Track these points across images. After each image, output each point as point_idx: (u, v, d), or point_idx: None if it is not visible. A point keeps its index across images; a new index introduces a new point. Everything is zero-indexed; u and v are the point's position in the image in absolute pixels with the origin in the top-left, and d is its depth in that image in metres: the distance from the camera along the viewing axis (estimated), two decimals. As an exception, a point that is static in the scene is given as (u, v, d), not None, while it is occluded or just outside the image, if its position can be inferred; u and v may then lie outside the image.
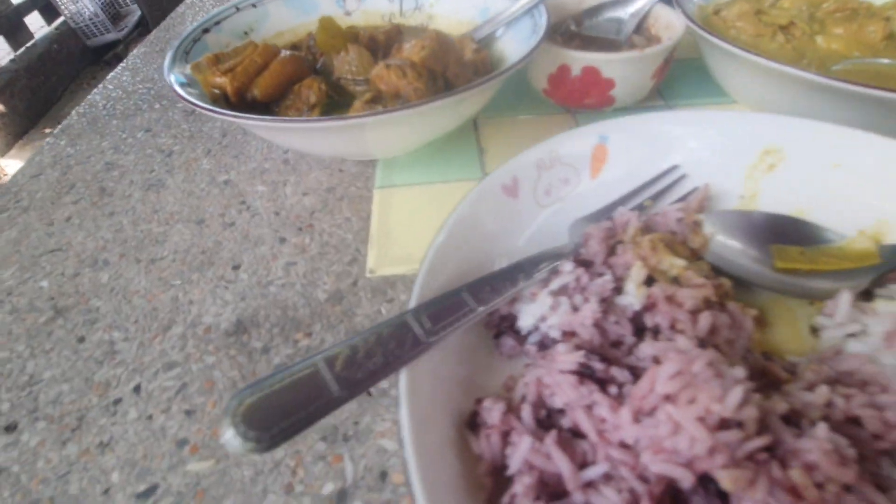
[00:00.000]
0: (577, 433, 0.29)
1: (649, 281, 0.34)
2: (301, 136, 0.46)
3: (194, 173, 0.57)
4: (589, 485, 0.26)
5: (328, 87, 0.50)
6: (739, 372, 0.25)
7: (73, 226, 0.52)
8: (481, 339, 0.35)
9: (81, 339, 0.41)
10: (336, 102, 0.50)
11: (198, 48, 0.54)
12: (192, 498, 0.32)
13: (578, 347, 0.31)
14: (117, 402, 0.37)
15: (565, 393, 0.29)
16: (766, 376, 0.31)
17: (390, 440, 0.34)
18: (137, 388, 0.38)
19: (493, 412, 0.29)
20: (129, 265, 0.47)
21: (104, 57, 3.54)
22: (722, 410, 0.23)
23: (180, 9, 1.02)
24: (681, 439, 0.24)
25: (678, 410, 0.24)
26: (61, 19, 3.36)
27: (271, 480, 0.32)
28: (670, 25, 0.56)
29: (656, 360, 0.28)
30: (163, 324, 0.42)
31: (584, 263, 0.36)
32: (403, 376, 0.28)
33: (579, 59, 0.52)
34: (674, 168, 0.43)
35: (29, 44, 3.10)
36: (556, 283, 0.34)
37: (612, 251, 0.36)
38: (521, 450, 0.27)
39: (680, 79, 0.62)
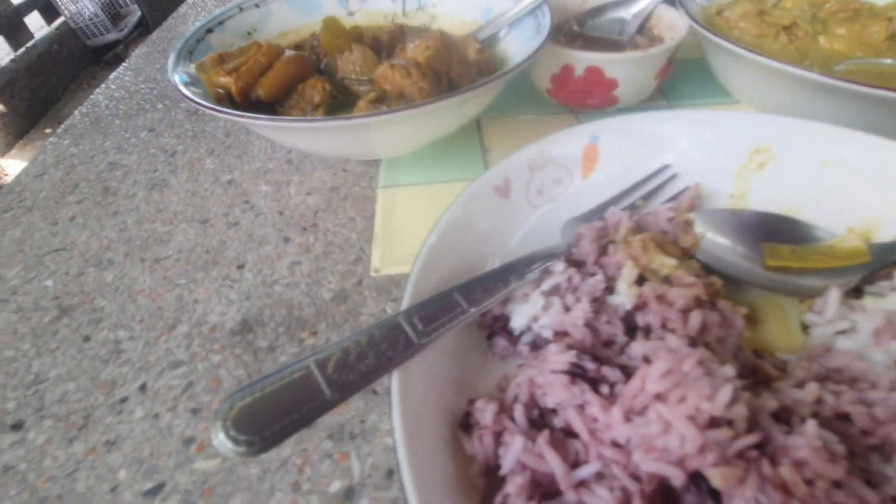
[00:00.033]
0: (569, 433, 0.29)
1: (641, 280, 0.34)
2: (305, 135, 0.46)
3: (198, 173, 0.57)
4: (581, 484, 0.26)
5: (332, 87, 0.50)
6: (729, 370, 0.26)
7: (77, 225, 0.52)
8: (474, 339, 0.35)
9: (87, 338, 0.41)
10: (340, 102, 0.50)
11: (201, 48, 0.54)
12: (200, 496, 0.32)
13: (570, 347, 0.31)
14: (123, 400, 0.37)
15: (557, 393, 0.29)
16: (757, 374, 0.31)
17: (396, 438, 0.34)
18: (143, 387, 0.38)
19: (485, 413, 0.29)
20: (133, 264, 0.47)
21: (104, 57, 3.54)
22: (712, 409, 0.24)
23: (182, 9, 1.02)
24: (671, 438, 0.24)
25: (668, 409, 0.24)
26: (61, 19, 3.36)
27: (278, 478, 0.32)
28: (673, 26, 0.56)
29: (647, 360, 0.28)
30: (168, 323, 0.42)
31: (576, 263, 0.36)
32: (395, 378, 0.28)
33: (583, 60, 0.52)
34: (665, 168, 0.44)
35: (29, 44, 3.10)
36: (547, 284, 0.34)
37: (603, 251, 0.37)
38: (514, 450, 0.27)
39: (683, 79, 0.62)
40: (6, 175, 2.59)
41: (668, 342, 0.29)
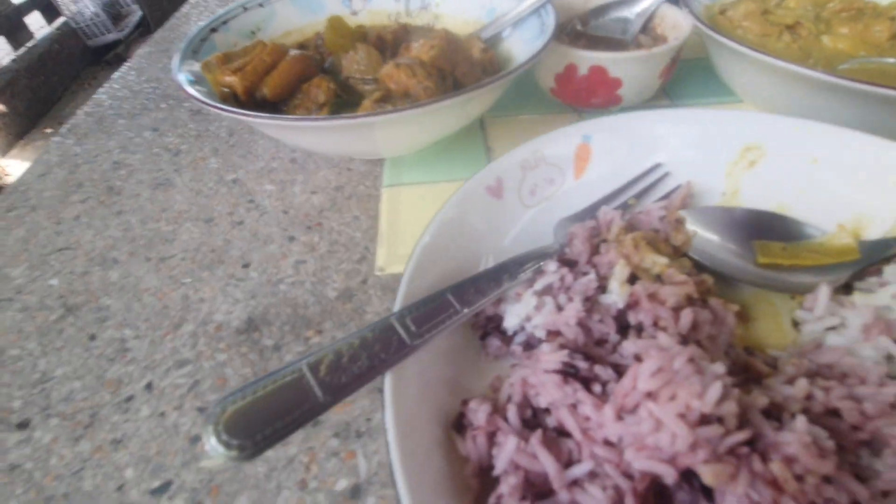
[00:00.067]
0: (562, 432, 0.29)
1: (633, 279, 0.34)
2: (310, 134, 0.46)
3: (202, 172, 0.58)
4: (574, 483, 0.26)
5: (337, 86, 0.50)
6: (719, 368, 0.26)
7: (81, 224, 0.52)
8: (468, 340, 0.35)
9: (92, 337, 0.42)
10: (345, 102, 0.50)
11: (206, 47, 0.54)
12: (207, 494, 0.32)
13: (563, 347, 0.31)
14: (129, 399, 0.37)
15: (550, 392, 0.29)
16: (748, 371, 0.31)
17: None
18: (149, 386, 0.38)
19: (478, 413, 0.29)
20: (138, 263, 0.47)
21: (105, 57, 3.54)
22: (702, 406, 0.24)
23: (184, 9, 1.02)
24: (662, 436, 0.24)
25: (659, 407, 0.25)
26: (62, 19, 3.36)
27: (285, 477, 0.32)
28: (677, 25, 0.56)
29: (638, 358, 0.28)
30: (174, 322, 0.42)
31: (569, 263, 0.36)
32: (388, 380, 0.28)
33: (587, 59, 0.52)
34: (657, 166, 0.44)
35: (29, 44, 3.10)
36: (540, 283, 0.34)
37: (596, 250, 0.37)
38: (507, 450, 0.28)
39: (686, 78, 0.62)
40: (7, 175, 2.59)
41: (659, 340, 0.29)
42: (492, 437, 0.29)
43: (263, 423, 0.25)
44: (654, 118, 0.45)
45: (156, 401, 0.37)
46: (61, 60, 3.25)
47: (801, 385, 0.27)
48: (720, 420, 0.24)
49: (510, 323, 0.34)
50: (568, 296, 0.33)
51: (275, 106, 0.51)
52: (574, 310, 0.32)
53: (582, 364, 0.30)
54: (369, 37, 0.56)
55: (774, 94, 0.51)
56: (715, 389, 0.24)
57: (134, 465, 0.34)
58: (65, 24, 3.36)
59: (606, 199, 0.42)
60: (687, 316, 0.31)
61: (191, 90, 0.45)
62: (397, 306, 0.32)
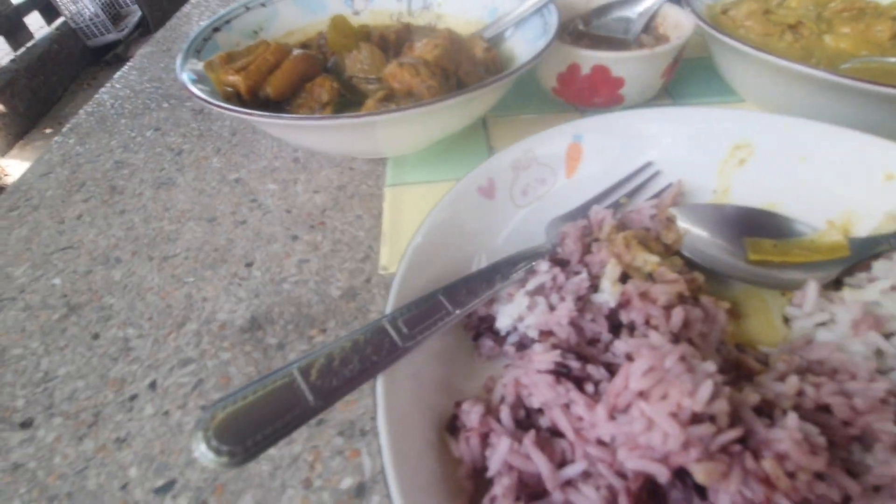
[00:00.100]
0: (555, 432, 0.29)
1: (625, 278, 0.34)
2: (314, 134, 0.46)
3: (205, 172, 0.58)
4: (568, 483, 0.26)
5: (340, 85, 0.50)
6: (710, 366, 0.26)
7: (84, 224, 0.52)
8: (461, 341, 0.35)
9: (96, 336, 0.41)
10: (348, 101, 0.50)
11: (209, 47, 0.54)
12: (211, 493, 0.32)
13: (555, 347, 0.31)
14: (133, 398, 0.37)
15: (542, 393, 0.29)
16: (740, 368, 0.31)
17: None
18: (153, 385, 0.38)
19: (471, 414, 0.29)
20: (141, 263, 0.47)
21: (104, 57, 3.53)
22: (693, 405, 0.24)
23: (186, 8, 1.02)
24: (654, 435, 0.24)
25: (651, 406, 0.25)
26: (61, 19, 3.36)
27: (289, 475, 0.32)
28: (679, 24, 0.56)
29: (629, 357, 0.28)
30: (177, 321, 0.42)
31: (560, 262, 0.36)
32: (380, 382, 0.28)
33: (590, 58, 0.52)
34: (648, 165, 0.44)
35: (29, 44, 3.10)
36: (532, 283, 0.34)
37: (587, 249, 0.37)
38: (500, 451, 0.27)
39: (688, 78, 0.62)
40: (6, 175, 2.58)
41: (650, 339, 0.29)
42: (485, 439, 0.29)
43: (254, 428, 0.24)
44: (644, 117, 0.45)
45: (160, 400, 0.37)
46: (61, 61, 3.25)
47: (792, 382, 0.28)
48: (712, 418, 0.24)
49: (502, 323, 0.34)
50: (560, 295, 0.33)
51: (278, 105, 0.51)
52: (566, 309, 0.32)
53: (574, 364, 0.30)
54: (372, 36, 0.56)
55: (777, 94, 0.51)
56: (706, 388, 0.24)
57: (138, 464, 0.34)
58: (64, 24, 3.36)
59: (598, 199, 0.42)
60: (678, 314, 0.31)
61: (194, 89, 0.45)
62: (389, 308, 0.32)
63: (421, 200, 0.50)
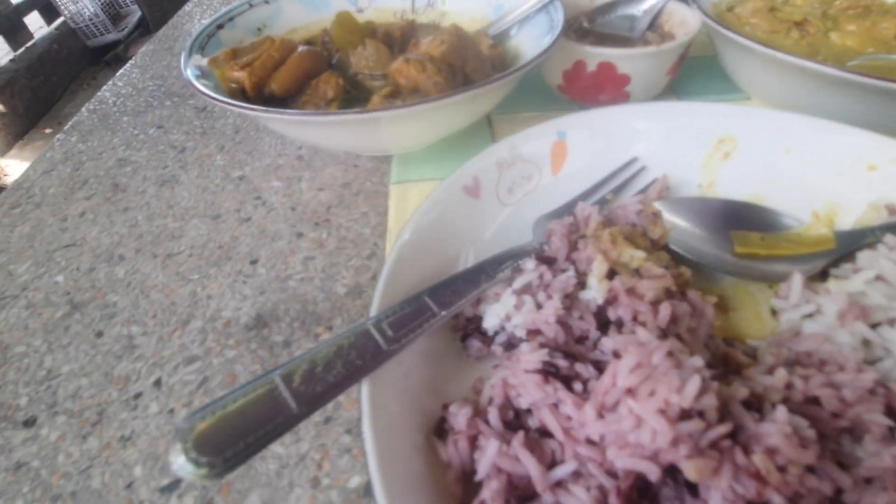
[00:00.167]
0: (544, 432, 0.28)
1: (612, 274, 0.34)
2: (319, 130, 0.46)
3: (208, 169, 0.57)
4: (558, 484, 0.26)
5: (345, 82, 0.50)
6: (697, 361, 0.25)
7: (87, 221, 0.52)
8: (449, 342, 0.35)
9: (99, 334, 0.41)
10: (353, 97, 0.50)
11: (212, 44, 0.54)
12: (217, 492, 0.32)
13: (543, 345, 0.30)
14: (138, 396, 0.37)
15: (530, 393, 0.28)
16: (728, 362, 0.31)
17: (416, 433, 0.33)
18: (158, 382, 0.37)
19: (459, 417, 0.29)
20: (145, 260, 0.47)
21: (104, 57, 3.53)
22: (681, 401, 0.24)
23: (187, 7, 1.02)
24: (643, 433, 0.24)
25: (639, 404, 0.24)
26: (61, 19, 3.36)
27: (297, 474, 0.32)
28: (685, 22, 0.56)
29: (617, 355, 0.28)
30: (182, 318, 0.42)
31: (547, 260, 0.36)
32: (365, 386, 0.28)
33: (595, 55, 0.52)
34: (633, 161, 0.44)
35: (29, 44, 3.10)
36: (519, 282, 0.34)
37: (574, 246, 0.36)
38: (489, 454, 0.27)
39: (694, 75, 0.62)
40: (6, 175, 2.58)
41: (638, 336, 0.28)
42: (473, 441, 0.28)
43: (235, 438, 0.24)
44: (627, 113, 0.45)
45: (164, 398, 0.36)
46: (60, 60, 3.24)
47: (781, 375, 0.27)
48: (701, 414, 0.24)
49: (490, 323, 0.33)
50: (547, 293, 0.33)
51: (283, 102, 0.51)
52: (553, 307, 0.31)
53: (562, 362, 0.29)
54: (377, 33, 0.56)
55: (783, 91, 0.51)
56: (693, 383, 0.24)
57: (143, 463, 0.33)
58: (64, 24, 3.35)
59: (584, 195, 0.42)
60: (665, 309, 0.31)
61: (199, 86, 0.45)
62: (373, 310, 0.31)
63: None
